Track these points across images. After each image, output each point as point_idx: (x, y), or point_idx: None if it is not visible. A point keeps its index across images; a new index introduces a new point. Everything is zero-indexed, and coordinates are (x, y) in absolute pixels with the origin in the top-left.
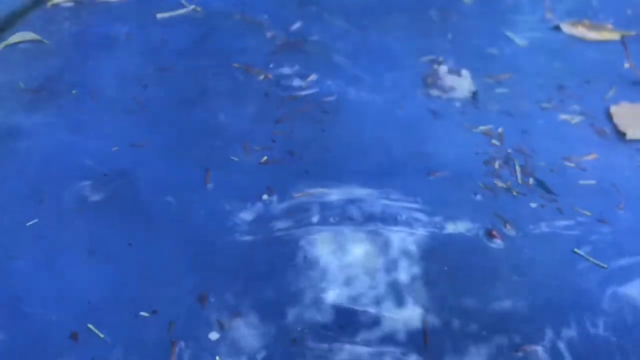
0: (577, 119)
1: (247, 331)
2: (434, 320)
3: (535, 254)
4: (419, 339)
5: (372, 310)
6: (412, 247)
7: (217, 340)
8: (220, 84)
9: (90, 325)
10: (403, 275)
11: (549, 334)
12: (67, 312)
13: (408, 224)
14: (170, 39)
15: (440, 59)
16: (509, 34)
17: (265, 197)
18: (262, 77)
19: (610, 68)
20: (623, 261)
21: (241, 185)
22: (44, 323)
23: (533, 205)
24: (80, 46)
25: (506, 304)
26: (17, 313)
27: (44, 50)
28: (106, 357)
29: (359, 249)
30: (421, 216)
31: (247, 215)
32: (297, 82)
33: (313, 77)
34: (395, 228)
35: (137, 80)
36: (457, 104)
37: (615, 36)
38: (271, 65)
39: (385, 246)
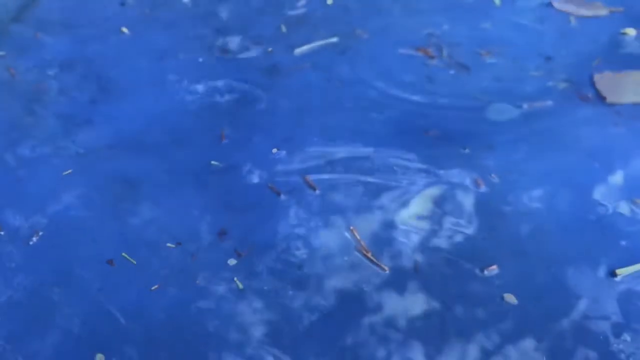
0: (563, 85)
1: (260, 258)
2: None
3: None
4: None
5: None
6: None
7: (235, 265)
8: None
9: (124, 254)
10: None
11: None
12: (104, 243)
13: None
14: None
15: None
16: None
17: (274, 150)
18: None
19: (598, 41)
20: None
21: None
22: (87, 251)
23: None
24: None
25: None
26: (69, 245)
27: None
28: (138, 279)
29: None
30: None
31: (260, 165)
32: None
33: None
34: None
35: None
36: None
37: (604, 12)
38: None
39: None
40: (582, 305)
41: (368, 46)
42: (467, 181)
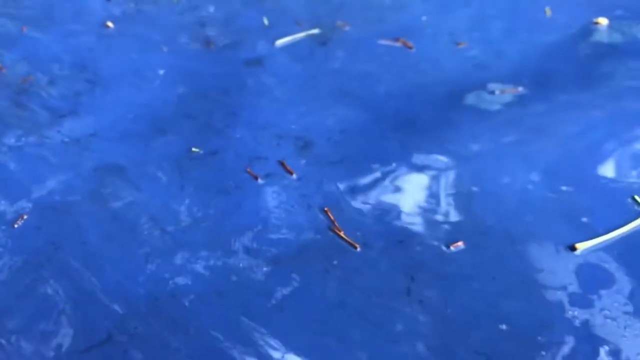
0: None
1: (237, 238)
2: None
3: None
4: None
5: None
6: None
7: (211, 244)
8: None
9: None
10: None
11: None
12: (86, 225)
13: None
14: None
15: None
16: None
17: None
18: None
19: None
20: None
21: None
22: (69, 233)
23: None
24: None
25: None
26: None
27: None
28: (119, 258)
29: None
30: None
31: (239, 151)
32: None
33: None
34: None
35: None
36: None
37: None
38: None
39: None
40: (541, 277)
41: (348, 37)
42: (439, 164)
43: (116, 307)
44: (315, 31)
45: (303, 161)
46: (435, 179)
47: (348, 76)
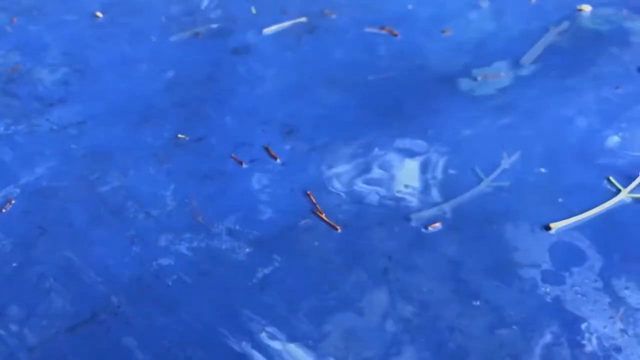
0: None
1: (220, 221)
2: None
3: None
4: None
5: None
6: None
7: (195, 227)
8: None
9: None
10: None
11: None
12: (73, 209)
13: None
14: None
15: None
16: None
17: None
18: None
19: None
20: None
21: None
22: (56, 216)
23: None
24: None
25: None
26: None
27: None
28: (106, 240)
29: None
30: None
31: (224, 137)
32: None
33: None
34: None
35: None
36: None
37: None
38: None
39: None
40: (516, 256)
41: (335, 25)
42: (420, 148)
43: (100, 287)
44: (303, 19)
45: (287, 146)
46: (415, 162)
47: (334, 63)
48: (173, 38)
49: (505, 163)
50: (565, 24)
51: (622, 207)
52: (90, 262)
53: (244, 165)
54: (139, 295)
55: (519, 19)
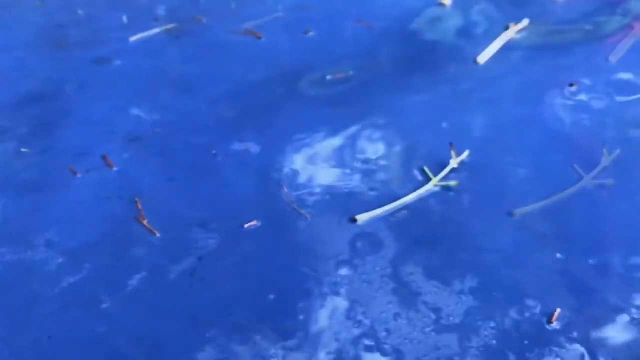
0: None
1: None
2: None
3: None
4: None
5: None
6: None
7: None
8: None
9: None
10: None
11: None
12: None
13: None
14: None
15: None
16: None
17: None
18: None
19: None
20: None
21: None
22: None
23: None
24: None
25: None
26: None
27: None
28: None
29: None
30: None
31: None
32: None
33: None
34: None
35: None
36: None
37: None
38: None
39: None
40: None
41: (202, 30)
42: (254, 149)
43: None
44: (171, 26)
45: (126, 155)
46: (242, 166)
47: (195, 69)
48: (37, 51)
49: (353, 160)
50: (525, 22)
51: (431, 196)
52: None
53: (79, 175)
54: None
55: (379, 18)
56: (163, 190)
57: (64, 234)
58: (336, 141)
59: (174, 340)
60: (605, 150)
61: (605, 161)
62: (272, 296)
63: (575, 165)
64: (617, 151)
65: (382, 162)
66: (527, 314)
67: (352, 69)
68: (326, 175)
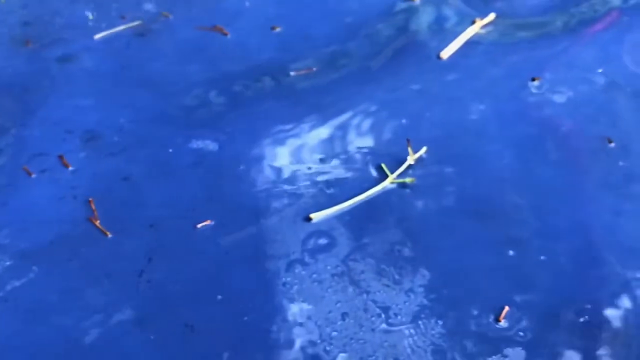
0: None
1: None
2: None
3: None
4: None
5: None
6: None
7: None
8: None
9: None
10: None
11: None
12: None
13: None
14: None
15: None
16: None
17: None
18: None
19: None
20: None
21: None
22: None
23: None
24: None
25: None
26: None
27: None
28: None
29: None
30: None
31: None
32: None
33: None
34: None
35: None
36: None
37: None
38: None
39: None
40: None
41: (168, 27)
42: (211, 147)
43: None
44: (137, 23)
45: (84, 154)
46: (198, 165)
47: (158, 67)
48: (1, 48)
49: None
50: (491, 16)
51: (387, 193)
52: None
53: (33, 176)
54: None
55: (345, 14)
56: (118, 189)
57: (14, 235)
58: (296, 138)
59: (119, 341)
60: (410, 148)
61: (410, 159)
62: (220, 297)
63: (383, 164)
64: (424, 148)
65: (340, 160)
66: (475, 312)
67: (316, 64)
68: (283, 173)
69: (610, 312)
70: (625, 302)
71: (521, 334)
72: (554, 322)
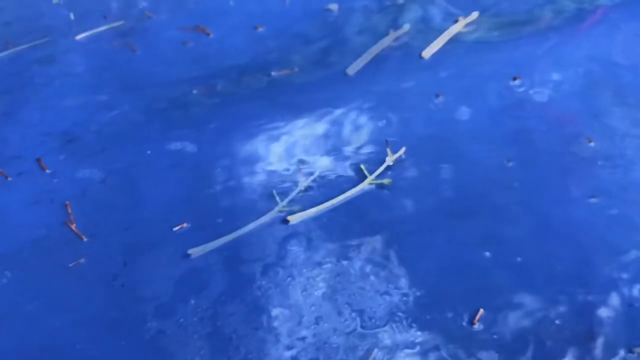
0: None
1: None
2: None
3: None
4: None
5: None
6: None
7: None
8: None
9: None
10: None
11: None
12: None
13: None
14: None
15: None
16: None
17: None
18: None
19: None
20: None
21: None
22: None
23: None
24: None
25: None
26: None
27: None
28: None
29: None
30: None
31: None
32: None
33: None
34: None
35: None
36: None
37: None
38: None
39: None
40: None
41: (151, 27)
42: (189, 148)
43: None
44: (119, 23)
45: (62, 156)
46: (176, 166)
47: (140, 67)
48: None
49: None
50: (474, 14)
51: (365, 194)
52: None
53: (9, 179)
54: None
55: (335, 11)
56: (95, 192)
57: None
58: (274, 140)
59: (92, 346)
60: (388, 149)
61: (389, 160)
62: (193, 301)
63: (362, 165)
64: (403, 149)
65: (319, 161)
66: (449, 314)
67: (298, 64)
68: (262, 175)
69: (589, 313)
70: (607, 302)
71: (495, 336)
72: (529, 324)
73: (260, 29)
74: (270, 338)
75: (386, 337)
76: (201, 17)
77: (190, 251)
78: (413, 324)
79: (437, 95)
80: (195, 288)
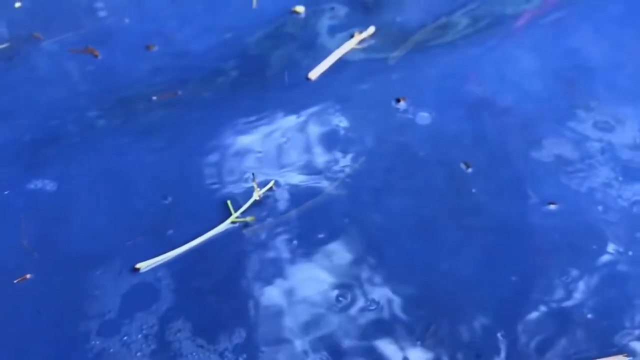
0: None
1: None
2: None
3: None
4: None
5: None
6: None
7: None
8: None
9: None
10: None
11: None
12: None
13: None
14: None
15: None
16: None
17: None
18: None
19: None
20: None
21: None
22: None
23: None
24: None
25: None
26: None
27: None
28: None
29: None
30: None
31: None
32: None
33: None
34: None
35: None
36: None
37: None
38: None
39: None
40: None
41: (39, 49)
42: (50, 188)
43: None
44: (4, 45)
45: None
46: (33, 209)
47: (20, 94)
48: None
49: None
50: (371, 29)
51: (227, 234)
52: None
53: None
54: None
55: (236, 28)
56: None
57: None
58: (137, 177)
59: None
60: (255, 183)
61: (256, 195)
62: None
63: (229, 202)
64: (272, 182)
65: (184, 198)
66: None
67: (185, 86)
68: (116, 218)
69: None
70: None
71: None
72: (478, 338)
73: (154, 48)
74: (215, 358)
75: None
76: (92, 37)
77: (138, 265)
78: None
79: (319, 120)
80: (142, 304)
